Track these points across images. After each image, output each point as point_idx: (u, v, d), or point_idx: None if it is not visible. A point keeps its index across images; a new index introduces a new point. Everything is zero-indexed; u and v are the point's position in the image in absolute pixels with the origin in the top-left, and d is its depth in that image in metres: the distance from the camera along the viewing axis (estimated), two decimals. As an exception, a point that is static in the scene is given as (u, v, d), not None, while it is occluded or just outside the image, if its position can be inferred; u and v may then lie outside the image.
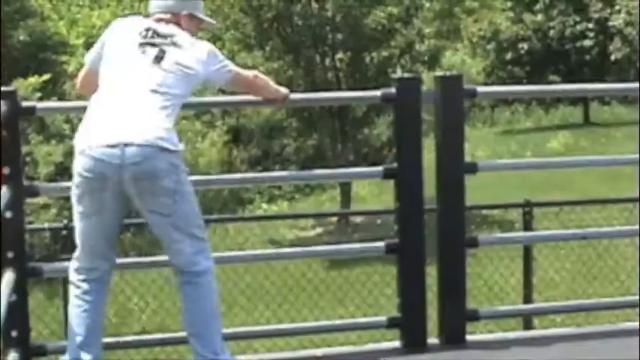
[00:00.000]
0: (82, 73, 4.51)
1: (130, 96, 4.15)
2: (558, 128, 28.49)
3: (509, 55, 33.02)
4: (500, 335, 5.31)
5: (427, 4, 19.59)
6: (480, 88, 5.13)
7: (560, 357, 4.62)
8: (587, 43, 32.35)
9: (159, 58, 4.21)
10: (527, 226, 7.72)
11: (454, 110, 4.77)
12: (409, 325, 4.80)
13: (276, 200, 21.47)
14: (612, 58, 31.76)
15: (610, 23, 31.81)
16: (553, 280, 10.33)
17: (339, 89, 17.66)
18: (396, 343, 4.80)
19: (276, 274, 10.36)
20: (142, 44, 4.25)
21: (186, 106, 4.45)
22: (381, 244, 4.85)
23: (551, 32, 32.98)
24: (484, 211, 14.45)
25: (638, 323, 4.80)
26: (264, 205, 21.11)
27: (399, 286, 4.81)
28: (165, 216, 4.12)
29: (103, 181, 4.05)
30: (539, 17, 33.37)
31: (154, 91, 4.15)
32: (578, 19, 32.82)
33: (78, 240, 4.23)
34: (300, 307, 9.16)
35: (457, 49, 29.93)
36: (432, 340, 4.78)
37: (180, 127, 22.56)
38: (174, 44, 4.26)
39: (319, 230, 17.42)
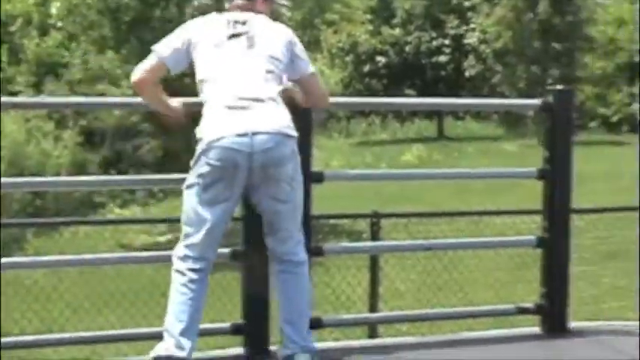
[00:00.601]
0: (150, 65, 4.41)
1: (245, 86, 4.25)
2: (413, 141, 29.02)
3: (367, 68, 33.49)
4: (343, 343, 5.35)
5: (288, 14, 19.69)
6: (333, 99, 5.12)
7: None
8: (443, 58, 33.12)
9: (251, 46, 4.32)
10: (375, 236, 7.82)
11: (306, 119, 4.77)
12: (252, 331, 4.81)
13: (129, 205, 21.16)
14: (467, 74, 32.59)
15: (465, 41, 32.63)
16: (399, 290, 10.49)
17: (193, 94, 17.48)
18: (241, 350, 4.79)
19: (123, 278, 10.21)
20: (232, 36, 4.34)
21: (38, 105, 4.34)
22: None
23: (408, 47, 33.60)
24: (334, 221, 14.58)
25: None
26: (117, 210, 20.77)
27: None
28: (283, 202, 4.29)
29: (234, 169, 4.18)
30: (397, 31, 33.97)
31: (265, 79, 4.28)
32: (434, 34, 33.56)
33: (193, 229, 4.28)
34: (147, 312, 9.02)
35: (316, 60, 30.16)
36: (274, 347, 4.77)
37: (30, 126, 22.08)
38: (259, 30, 4.36)
39: (170, 236, 17.23)
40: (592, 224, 9.62)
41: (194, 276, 4.28)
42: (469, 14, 33.50)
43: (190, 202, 4.29)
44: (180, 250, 4.33)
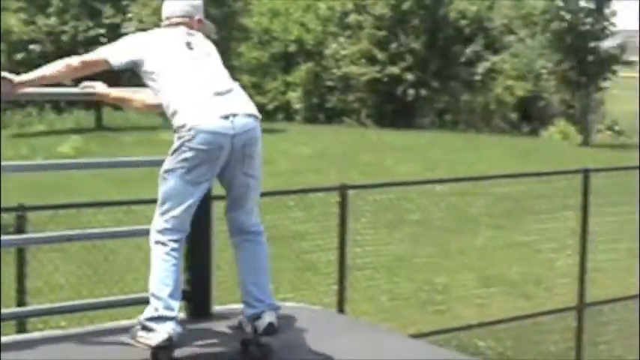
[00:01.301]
0: (91, 58, 4.83)
1: (211, 79, 4.72)
2: (71, 132, 28.45)
3: (20, 56, 32.44)
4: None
5: None
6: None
7: (56, 356, 4.61)
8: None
9: (208, 54, 4.87)
10: (20, 229, 7.61)
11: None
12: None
13: None
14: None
15: (122, 30, 32.37)
16: (59, 284, 10.28)
17: None
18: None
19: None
20: (187, 43, 4.86)
21: None
22: None
23: (64, 36, 32.90)
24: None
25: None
26: None
27: None
28: (255, 178, 4.73)
29: (219, 151, 4.55)
30: (53, 20, 33.14)
31: (226, 74, 4.83)
32: (91, 24, 33.06)
33: (172, 205, 4.62)
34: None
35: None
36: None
37: None
38: (205, 41, 4.95)
39: None
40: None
41: (175, 245, 4.66)
42: (125, 3, 33.35)
43: (171, 183, 4.63)
44: (159, 223, 4.68)
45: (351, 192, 8.54)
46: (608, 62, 33.29)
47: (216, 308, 5.28)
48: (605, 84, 34.55)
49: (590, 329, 9.68)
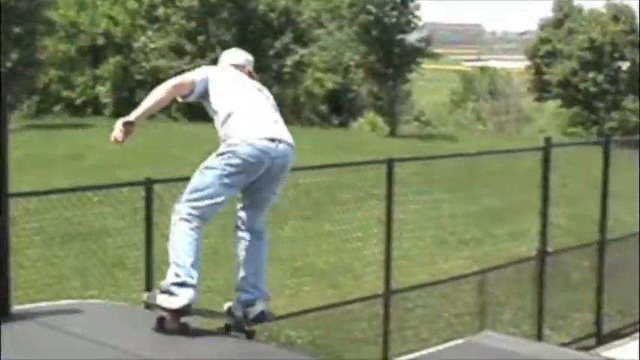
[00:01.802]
0: (180, 81, 5.61)
1: (265, 109, 5.52)
2: None
3: None
4: None
5: None
6: None
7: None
8: None
9: (260, 90, 5.69)
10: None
11: None
12: None
13: None
14: None
15: None
16: None
17: None
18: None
19: None
20: (246, 80, 5.74)
21: None
22: None
23: None
24: None
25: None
26: None
27: None
28: (276, 194, 5.44)
29: (259, 165, 5.25)
30: None
31: (275, 108, 5.62)
32: None
33: (202, 196, 5.21)
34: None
35: None
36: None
37: None
38: (258, 84, 5.78)
39: None
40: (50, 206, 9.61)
41: (199, 224, 5.19)
42: None
43: (208, 178, 5.25)
44: (186, 209, 5.22)
45: (158, 186, 8.43)
46: (414, 54, 34.23)
47: (17, 308, 5.11)
48: (411, 76, 35.49)
49: (397, 315, 9.91)
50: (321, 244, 10.47)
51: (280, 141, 5.37)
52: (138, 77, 37.76)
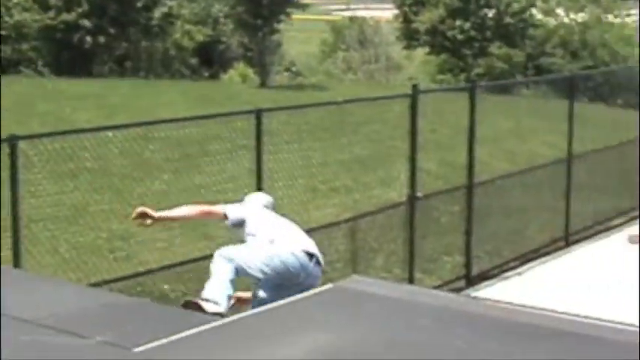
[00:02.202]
0: (214, 210, 7.07)
1: (295, 230, 6.87)
2: None
3: None
4: None
5: None
6: None
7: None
8: None
9: (289, 222, 6.97)
10: None
11: None
12: None
13: None
14: None
15: None
16: None
17: None
18: None
19: None
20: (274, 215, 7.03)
21: None
22: None
23: None
24: None
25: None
26: None
27: None
28: None
29: (291, 274, 6.41)
30: None
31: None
32: None
33: (238, 260, 6.54)
34: None
35: None
36: None
37: None
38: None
39: None
40: None
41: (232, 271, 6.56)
42: None
43: (249, 258, 6.57)
44: (224, 255, 6.60)
45: (23, 143, 8.23)
46: (282, 5, 34.08)
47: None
48: (280, 26, 35.36)
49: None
50: (193, 196, 10.35)
51: (315, 256, 6.57)
52: (2, 32, 36.62)
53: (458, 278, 12.28)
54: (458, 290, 11.69)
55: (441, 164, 15.63)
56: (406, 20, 35.25)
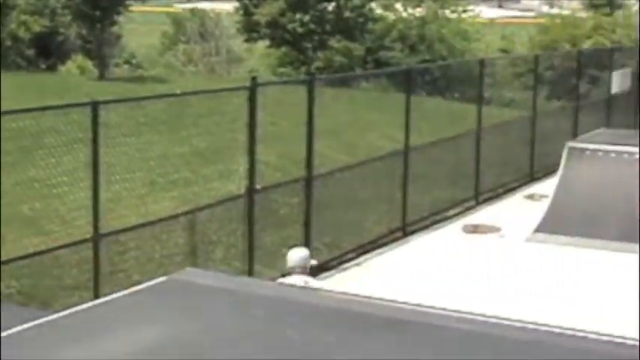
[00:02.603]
0: None
1: None
2: None
3: None
4: None
5: None
6: None
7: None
8: None
9: None
10: None
11: None
12: None
13: None
14: None
15: None
16: None
17: None
18: None
19: None
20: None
21: None
22: None
23: None
24: None
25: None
26: None
27: None
28: None
29: None
30: None
31: None
32: None
33: None
34: None
35: None
36: None
37: None
38: None
39: None
40: None
41: None
42: None
43: None
44: None
45: None
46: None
47: None
48: (120, 18, 34.78)
49: (108, 259, 9.80)
50: (26, 190, 10.13)
51: None
52: None
53: (298, 270, 12.34)
54: (297, 281, 11.76)
55: (280, 157, 15.71)
56: (247, 13, 35.21)
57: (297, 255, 8.48)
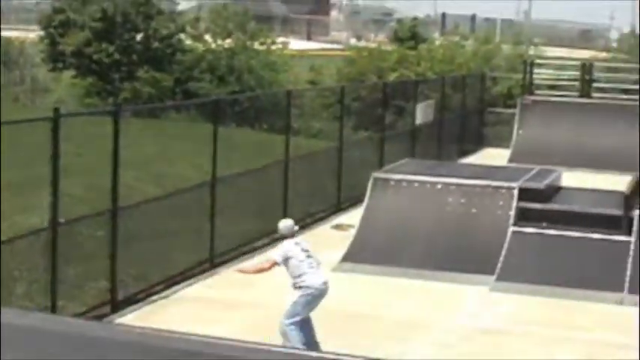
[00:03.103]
0: (271, 261, 10.77)
1: (315, 263, 10.67)
2: None
3: None
4: None
5: None
6: None
7: None
8: None
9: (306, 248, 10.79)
10: None
11: None
12: None
13: None
14: None
15: None
16: None
17: None
18: None
19: None
20: (302, 248, 10.69)
21: None
22: None
23: None
24: None
25: None
26: None
27: None
28: None
29: (321, 299, 10.52)
30: None
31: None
32: None
33: (296, 315, 10.41)
34: None
35: None
36: None
37: None
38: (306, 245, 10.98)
39: None
40: None
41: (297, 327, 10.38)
42: None
43: (299, 308, 10.39)
44: (289, 320, 10.32)
45: None
46: None
47: None
48: None
49: None
50: None
51: (327, 283, 10.62)
52: None
53: (103, 304, 12.14)
54: (103, 316, 11.56)
55: (87, 188, 15.40)
56: (52, 42, 34.45)
57: (284, 225, 10.96)
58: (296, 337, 10.17)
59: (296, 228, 11.00)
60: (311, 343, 10.27)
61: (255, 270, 11.29)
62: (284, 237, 10.85)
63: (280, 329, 10.19)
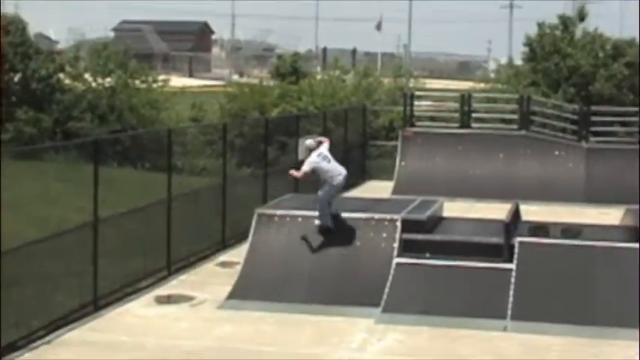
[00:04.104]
0: (307, 171, 15.29)
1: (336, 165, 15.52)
2: None
3: None
4: None
5: None
6: None
7: None
8: None
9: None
10: None
11: None
12: None
13: None
14: None
15: None
16: None
17: None
18: None
19: None
20: (323, 156, 15.31)
21: None
22: None
23: None
24: None
25: None
26: None
27: None
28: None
29: (341, 186, 15.52)
30: None
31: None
32: None
33: (325, 200, 15.29)
34: None
35: None
36: None
37: None
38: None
39: None
40: None
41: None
42: None
43: (332, 191, 15.28)
44: (324, 198, 15.37)
45: None
46: None
47: None
48: None
49: None
50: None
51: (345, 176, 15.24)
52: None
53: (-18, 353, 11.78)
54: (-18, 365, 11.23)
55: (-36, 234, 14.97)
56: None
57: (309, 143, 15.47)
58: (327, 208, 15.09)
59: (317, 140, 15.72)
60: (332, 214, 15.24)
61: (300, 176, 15.44)
62: (311, 151, 15.18)
63: (319, 203, 15.14)
